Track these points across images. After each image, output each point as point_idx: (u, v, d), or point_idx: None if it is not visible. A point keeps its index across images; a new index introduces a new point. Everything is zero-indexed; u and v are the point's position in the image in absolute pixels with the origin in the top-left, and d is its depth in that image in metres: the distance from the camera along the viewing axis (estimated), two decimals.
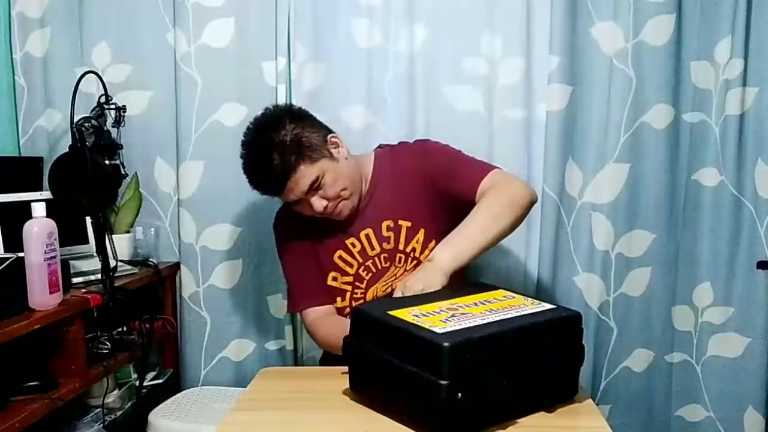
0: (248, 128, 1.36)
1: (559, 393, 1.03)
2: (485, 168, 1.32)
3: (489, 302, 1.05)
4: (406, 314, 0.98)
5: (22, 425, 1.19)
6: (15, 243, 1.33)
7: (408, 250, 1.38)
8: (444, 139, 1.54)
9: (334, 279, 1.40)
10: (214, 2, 1.72)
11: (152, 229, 1.80)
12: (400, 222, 1.38)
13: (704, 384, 1.73)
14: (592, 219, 1.70)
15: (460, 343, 0.89)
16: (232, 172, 1.75)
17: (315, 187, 1.30)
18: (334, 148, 1.35)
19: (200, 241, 1.78)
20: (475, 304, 1.04)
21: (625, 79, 1.66)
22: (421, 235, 1.37)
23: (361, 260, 1.39)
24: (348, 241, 1.39)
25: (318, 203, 1.31)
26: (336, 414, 1.05)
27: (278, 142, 1.29)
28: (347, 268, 1.40)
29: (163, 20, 1.77)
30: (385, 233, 1.38)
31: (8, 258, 1.27)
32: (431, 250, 1.30)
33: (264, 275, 1.80)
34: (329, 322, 1.36)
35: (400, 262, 1.39)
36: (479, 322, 0.96)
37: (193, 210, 1.77)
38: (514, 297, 1.09)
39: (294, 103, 1.75)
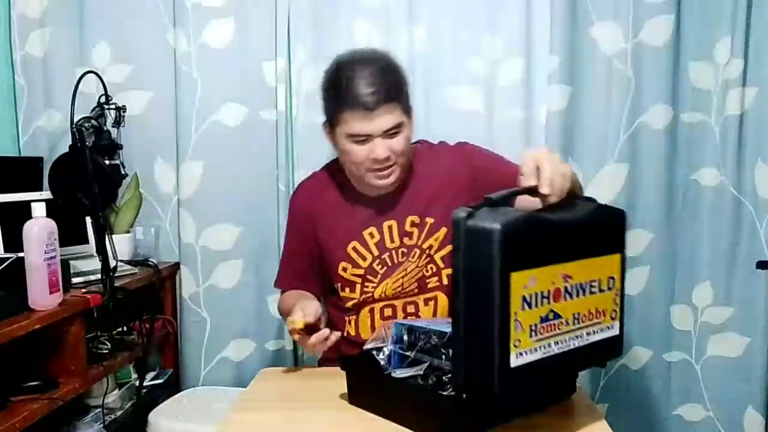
0: (351, 50, 1.32)
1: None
2: None
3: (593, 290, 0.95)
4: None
5: (22, 425, 1.19)
6: (15, 243, 1.33)
7: (425, 246, 1.35)
8: (444, 139, 1.55)
9: (344, 270, 1.37)
10: (214, 2, 1.72)
11: (152, 229, 1.80)
12: (426, 219, 1.35)
13: (704, 384, 1.73)
14: None
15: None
16: (232, 172, 1.77)
17: (390, 132, 1.26)
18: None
19: (200, 241, 1.78)
20: (582, 290, 0.93)
21: (625, 79, 1.66)
22: (441, 234, 1.35)
23: (377, 253, 1.35)
24: (366, 232, 1.35)
25: (383, 148, 1.25)
26: (336, 414, 1.06)
27: (392, 69, 1.28)
28: (360, 261, 1.36)
29: (163, 20, 1.77)
30: (408, 228, 1.35)
31: (8, 258, 1.27)
32: (449, 252, 1.32)
33: (264, 275, 1.79)
34: (290, 296, 1.40)
35: (414, 257, 1.35)
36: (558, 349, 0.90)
37: (193, 210, 1.77)
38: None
39: (294, 103, 1.76)
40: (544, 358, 0.88)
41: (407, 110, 1.30)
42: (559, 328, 0.90)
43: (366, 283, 1.37)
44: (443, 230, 1.35)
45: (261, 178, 1.78)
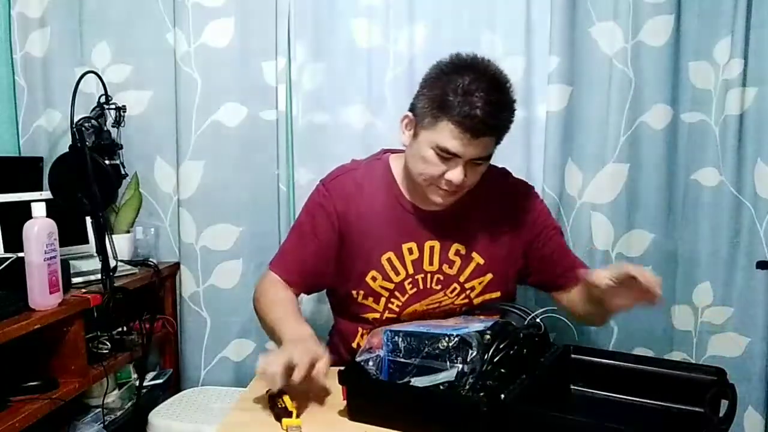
0: (472, 55, 1.21)
1: None
2: (583, 265, 1.34)
3: None
4: None
5: (22, 425, 1.19)
6: (15, 243, 1.33)
7: (468, 285, 1.28)
8: None
9: (374, 279, 1.27)
10: (214, 2, 1.72)
11: (152, 229, 1.81)
12: (473, 255, 1.27)
13: None
14: (591, 219, 1.70)
15: None
16: (232, 172, 1.77)
17: (476, 161, 1.17)
18: None
19: (200, 241, 1.78)
20: None
21: (625, 79, 1.65)
22: (486, 279, 1.28)
23: (411, 271, 1.26)
24: (406, 246, 1.26)
25: (461, 174, 1.15)
26: (336, 414, 1.05)
27: (511, 104, 1.18)
28: (392, 274, 1.27)
29: (163, 20, 1.77)
30: (451, 256, 1.27)
31: (8, 258, 1.27)
32: (488, 299, 1.29)
33: None
34: (271, 290, 1.29)
35: (453, 293, 1.28)
36: None
37: (193, 210, 1.77)
38: None
39: (294, 103, 1.76)
40: None
41: (500, 142, 1.22)
42: None
43: (392, 299, 1.29)
44: (489, 276, 1.28)
45: (261, 178, 1.78)
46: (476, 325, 1.05)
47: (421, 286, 1.28)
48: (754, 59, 1.62)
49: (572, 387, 1.13)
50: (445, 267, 1.27)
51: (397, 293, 1.28)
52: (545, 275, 1.33)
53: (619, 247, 1.70)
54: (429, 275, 1.27)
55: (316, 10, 1.72)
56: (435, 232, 1.27)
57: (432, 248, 1.26)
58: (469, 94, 1.11)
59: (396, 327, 1.06)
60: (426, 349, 0.99)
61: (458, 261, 1.27)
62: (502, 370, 0.97)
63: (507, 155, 1.68)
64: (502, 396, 0.91)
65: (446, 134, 1.13)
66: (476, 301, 1.30)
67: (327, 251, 1.29)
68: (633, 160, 1.68)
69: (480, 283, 1.28)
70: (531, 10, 1.68)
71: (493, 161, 1.65)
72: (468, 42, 1.70)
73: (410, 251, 1.26)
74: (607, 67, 1.66)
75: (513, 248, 1.30)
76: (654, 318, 1.73)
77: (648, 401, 1.04)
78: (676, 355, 1.75)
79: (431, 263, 1.27)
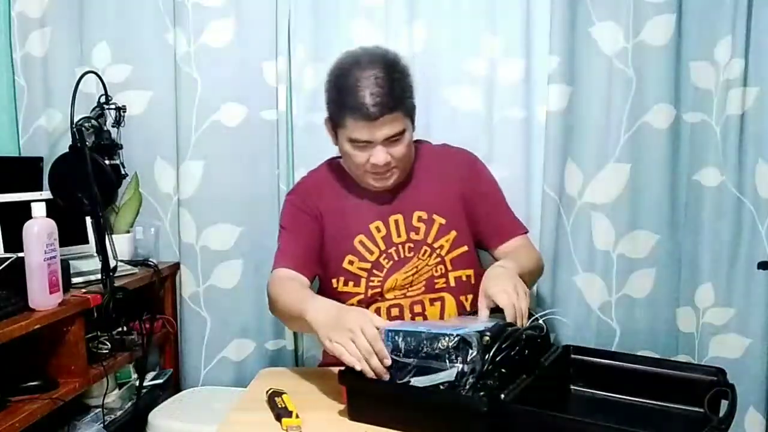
0: (359, 49, 1.31)
1: None
2: (520, 226, 1.46)
3: None
4: None
5: (22, 425, 1.19)
6: (15, 243, 1.33)
7: (436, 245, 1.37)
8: (444, 139, 1.55)
9: (351, 263, 1.37)
10: (214, 2, 1.72)
11: (152, 229, 1.81)
12: (434, 216, 1.37)
13: None
14: (591, 219, 1.70)
15: None
16: (232, 172, 1.77)
17: (392, 139, 1.27)
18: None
19: (200, 241, 1.77)
20: None
21: (625, 79, 1.65)
22: (452, 236, 1.37)
23: (383, 247, 1.36)
24: (373, 225, 1.36)
25: (383, 155, 1.27)
26: (336, 414, 1.05)
27: (399, 74, 1.27)
28: (367, 255, 1.37)
29: (163, 20, 1.77)
30: (415, 223, 1.37)
31: (8, 258, 1.27)
32: (458, 255, 1.37)
33: (264, 275, 1.78)
34: (285, 284, 1.30)
35: (424, 255, 1.37)
36: None
37: (193, 210, 1.77)
38: None
39: (294, 103, 1.76)
40: None
41: (410, 114, 1.31)
42: None
43: (371, 278, 1.37)
44: (453, 233, 1.37)
45: (261, 178, 1.77)
46: (476, 325, 1.05)
47: (396, 258, 1.36)
48: (755, 59, 1.62)
49: (572, 387, 1.12)
50: (412, 234, 1.37)
51: (375, 271, 1.37)
52: (484, 235, 1.43)
53: (621, 248, 1.70)
54: (400, 246, 1.37)
55: (316, 10, 1.72)
56: (395, 206, 1.38)
57: (396, 221, 1.37)
58: (354, 86, 1.23)
59: (396, 326, 1.06)
60: (426, 349, 0.99)
61: (423, 226, 1.37)
62: (503, 370, 0.97)
63: (507, 155, 1.70)
64: (502, 396, 0.91)
65: (351, 127, 1.26)
66: (447, 258, 1.37)
67: (314, 241, 1.39)
68: (634, 161, 1.67)
69: (447, 241, 1.37)
70: (531, 10, 1.68)
71: (493, 160, 1.66)
72: (468, 42, 1.70)
73: (378, 229, 1.36)
74: (608, 67, 1.65)
75: (461, 207, 1.41)
76: (659, 320, 1.72)
77: (648, 401, 1.04)
78: (679, 358, 1.74)
79: (399, 235, 1.37)
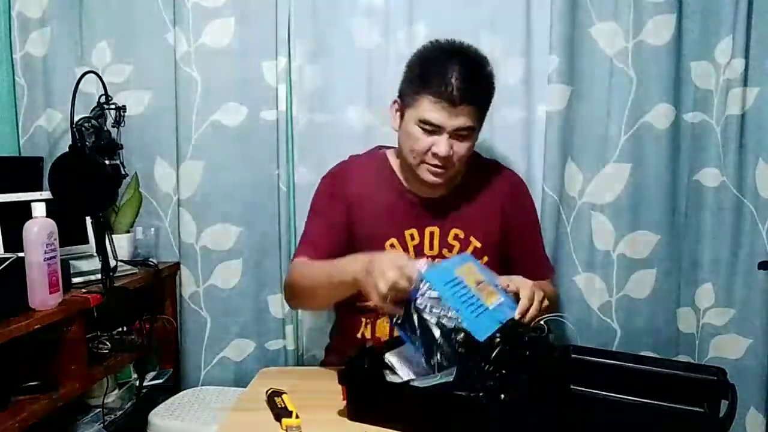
0: (454, 40, 1.29)
1: None
2: (549, 269, 1.47)
3: None
4: None
5: (22, 425, 1.19)
6: (15, 243, 1.33)
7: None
8: None
9: None
10: (214, 2, 1.72)
11: (152, 229, 1.80)
12: (471, 238, 1.33)
13: None
14: (592, 219, 1.70)
15: None
16: (232, 172, 1.77)
17: (461, 132, 1.23)
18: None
19: (200, 241, 1.77)
20: None
21: (626, 79, 1.65)
22: (483, 262, 1.30)
23: (413, 257, 1.30)
24: (408, 232, 1.32)
25: (446, 146, 1.22)
26: (336, 414, 1.05)
27: (487, 74, 1.26)
28: None
29: (163, 20, 1.77)
30: (450, 240, 1.33)
31: (8, 258, 1.27)
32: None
33: (264, 275, 1.79)
34: (311, 263, 1.26)
35: None
36: None
37: (193, 210, 1.77)
38: None
39: (294, 103, 1.76)
40: None
41: (482, 120, 1.28)
42: None
43: None
44: (485, 258, 1.32)
45: (261, 178, 1.77)
46: (507, 310, 1.07)
47: None
48: (756, 59, 1.62)
49: (572, 387, 1.12)
50: (444, 251, 1.33)
51: None
52: (507, 259, 1.40)
53: (621, 248, 1.70)
54: (430, 260, 1.29)
55: (316, 10, 1.72)
56: (434, 218, 1.33)
57: (432, 233, 1.32)
58: (445, 67, 1.20)
59: (434, 278, 1.03)
60: (442, 320, 0.99)
61: (457, 245, 1.33)
62: (503, 371, 0.97)
63: (507, 155, 1.69)
64: (502, 396, 0.91)
65: (426, 107, 1.21)
66: None
67: (343, 231, 1.33)
68: (634, 161, 1.68)
69: None
70: (531, 10, 1.68)
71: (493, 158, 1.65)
72: (468, 42, 1.69)
73: (412, 237, 1.32)
74: (608, 66, 1.66)
75: (500, 231, 1.37)
76: (659, 321, 1.72)
77: (648, 401, 1.04)
78: (681, 359, 1.74)
79: (431, 248, 1.32)
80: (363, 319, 1.35)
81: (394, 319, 1.05)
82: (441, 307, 1.01)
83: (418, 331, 1.01)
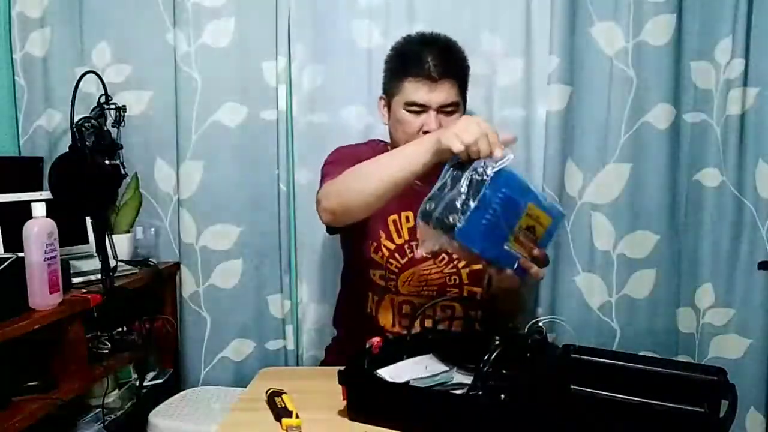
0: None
1: None
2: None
3: None
4: None
5: (22, 425, 1.19)
6: (15, 243, 1.33)
7: (455, 255, 1.33)
8: None
9: (381, 237, 1.36)
10: (214, 2, 1.72)
11: (152, 229, 1.81)
12: None
13: None
14: (592, 219, 1.70)
15: None
16: (232, 172, 1.77)
17: (446, 109, 1.28)
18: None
19: (200, 241, 1.78)
20: None
21: (626, 79, 1.65)
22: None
23: (407, 237, 1.35)
24: (404, 214, 1.35)
25: (436, 122, 1.27)
26: (336, 414, 1.05)
27: (459, 52, 1.35)
28: (395, 236, 1.35)
29: (163, 20, 1.77)
30: None
31: (8, 258, 1.27)
32: (475, 270, 1.34)
33: (264, 275, 1.80)
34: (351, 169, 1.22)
35: (441, 261, 1.35)
36: None
37: (193, 210, 1.77)
38: None
39: (294, 103, 1.76)
40: None
41: (464, 96, 1.33)
42: None
43: (391, 260, 1.35)
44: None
45: (261, 178, 1.78)
46: (509, 261, 1.04)
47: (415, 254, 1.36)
48: (755, 59, 1.62)
49: (572, 387, 1.12)
50: None
51: (397, 255, 1.35)
52: None
53: (621, 248, 1.70)
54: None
55: (316, 10, 1.72)
56: None
57: None
58: (420, 51, 1.29)
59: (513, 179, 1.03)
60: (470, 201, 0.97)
61: None
62: (503, 371, 0.97)
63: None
64: (502, 396, 0.91)
65: (409, 89, 1.28)
66: (463, 271, 1.35)
67: None
68: (635, 161, 1.68)
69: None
70: (531, 10, 1.68)
71: None
72: (468, 42, 1.68)
73: (407, 219, 1.36)
74: (608, 67, 1.66)
75: None
76: (659, 321, 1.72)
77: (648, 401, 1.04)
78: (681, 359, 1.74)
79: None
80: (370, 294, 1.38)
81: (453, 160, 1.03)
82: (475, 191, 0.97)
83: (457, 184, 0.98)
